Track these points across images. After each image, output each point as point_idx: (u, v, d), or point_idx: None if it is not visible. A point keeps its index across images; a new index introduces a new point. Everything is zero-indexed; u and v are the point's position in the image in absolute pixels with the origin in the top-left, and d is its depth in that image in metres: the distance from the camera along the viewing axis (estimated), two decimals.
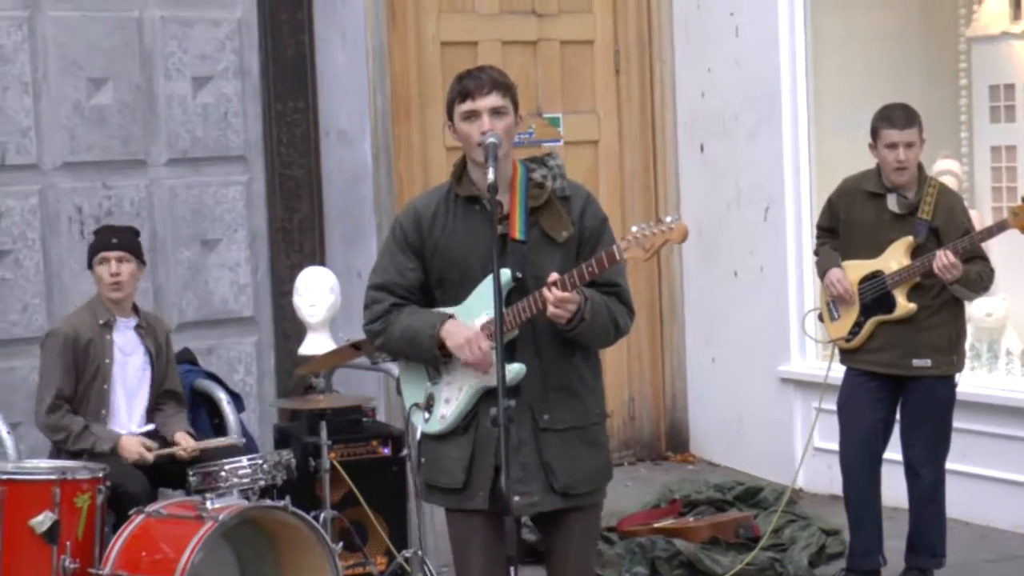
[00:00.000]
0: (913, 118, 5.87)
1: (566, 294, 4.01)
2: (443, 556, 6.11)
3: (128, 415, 5.89)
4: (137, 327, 5.95)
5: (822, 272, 6.12)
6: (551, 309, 4.03)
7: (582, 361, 4.24)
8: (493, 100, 4.12)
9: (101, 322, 5.84)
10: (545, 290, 4.02)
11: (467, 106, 4.13)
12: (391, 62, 7.88)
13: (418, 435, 4.30)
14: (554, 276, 4.04)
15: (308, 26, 7.60)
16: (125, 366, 5.89)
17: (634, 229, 4.08)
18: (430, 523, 6.13)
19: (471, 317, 4.16)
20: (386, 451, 6.31)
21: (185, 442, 5.78)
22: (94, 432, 5.72)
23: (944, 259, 5.70)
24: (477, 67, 4.24)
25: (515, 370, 4.08)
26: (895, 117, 5.87)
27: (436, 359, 4.18)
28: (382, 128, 7.77)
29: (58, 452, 5.78)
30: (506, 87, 4.16)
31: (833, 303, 6.08)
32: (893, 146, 5.84)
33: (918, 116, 5.90)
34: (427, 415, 4.23)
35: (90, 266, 5.91)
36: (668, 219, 4.09)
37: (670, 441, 8.75)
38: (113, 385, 5.85)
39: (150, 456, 5.73)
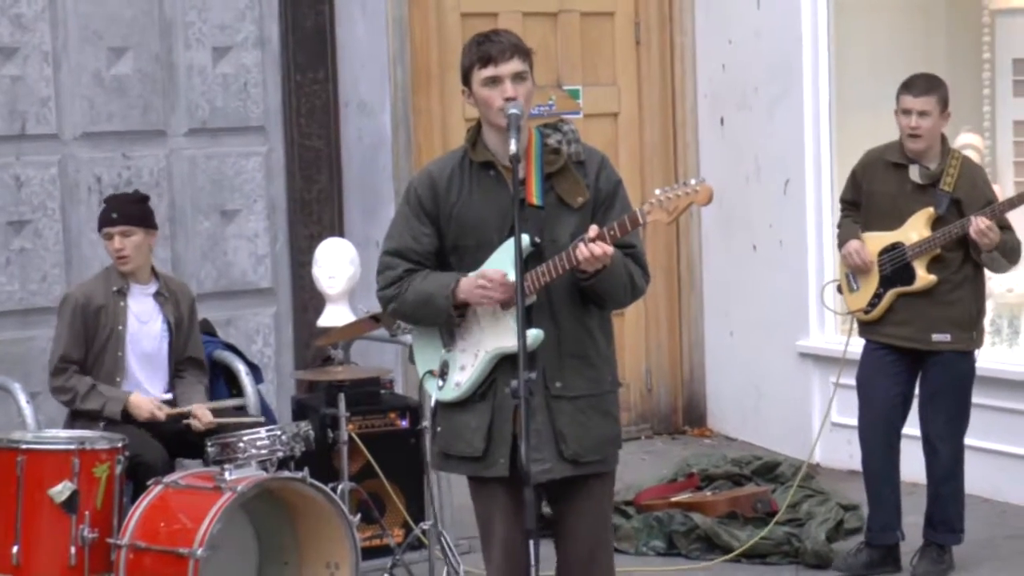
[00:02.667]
0: (932, 87, 5.84)
1: (606, 248, 3.98)
2: (460, 528, 6.13)
3: (145, 382, 5.88)
4: (157, 294, 5.94)
5: (841, 244, 6.10)
6: (590, 264, 4.00)
7: (598, 328, 4.23)
8: (515, 65, 4.11)
9: (115, 288, 5.84)
10: (580, 245, 3.99)
11: (489, 71, 4.10)
12: (411, 33, 7.85)
13: (432, 403, 4.27)
14: (594, 230, 4.00)
15: None
16: (141, 334, 5.88)
17: (657, 192, 4.07)
18: (447, 495, 6.14)
19: None
20: (404, 423, 6.32)
21: (202, 414, 5.77)
22: (102, 392, 5.72)
23: (980, 223, 5.67)
24: (492, 31, 4.20)
25: (533, 335, 4.07)
26: (913, 83, 5.86)
27: (451, 320, 4.16)
28: (402, 99, 7.75)
29: (72, 420, 5.79)
30: (525, 52, 4.15)
31: (852, 275, 6.06)
32: (907, 112, 5.84)
33: (940, 87, 5.86)
34: (441, 382, 4.22)
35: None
36: (692, 181, 4.08)
37: (687, 415, 8.74)
38: (127, 352, 5.85)
39: (161, 414, 5.72)
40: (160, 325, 5.94)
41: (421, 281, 4.19)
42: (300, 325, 7.50)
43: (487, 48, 4.12)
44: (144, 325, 5.90)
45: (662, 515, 6.49)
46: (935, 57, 7.86)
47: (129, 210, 5.89)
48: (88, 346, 5.80)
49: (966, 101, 7.69)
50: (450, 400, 4.21)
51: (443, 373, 4.22)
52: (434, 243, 4.23)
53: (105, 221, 5.88)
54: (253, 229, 7.47)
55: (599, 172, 4.21)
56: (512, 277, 4.01)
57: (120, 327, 5.83)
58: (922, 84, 5.86)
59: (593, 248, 3.99)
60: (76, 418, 5.77)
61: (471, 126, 4.28)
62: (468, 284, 4.13)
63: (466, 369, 4.19)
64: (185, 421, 5.75)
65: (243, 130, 7.45)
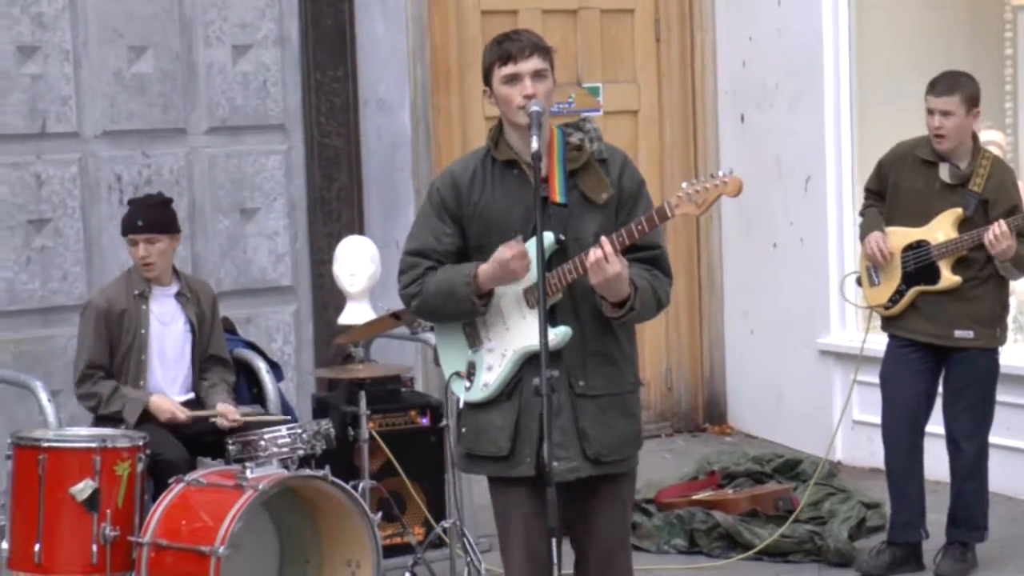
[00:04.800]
0: (955, 86, 5.80)
1: (604, 253, 3.97)
2: (481, 527, 6.12)
3: (168, 384, 5.88)
4: (178, 294, 5.94)
5: (864, 235, 6.06)
6: (593, 271, 3.98)
7: (620, 327, 4.21)
8: (535, 63, 4.10)
9: (136, 292, 5.84)
10: (592, 249, 3.99)
11: (509, 69, 4.09)
12: (431, 31, 7.85)
13: (460, 404, 4.25)
14: (604, 239, 4.00)
15: None
16: (164, 335, 5.88)
17: (684, 185, 4.06)
18: (468, 494, 6.13)
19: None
20: (424, 421, 6.32)
21: (227, 411, 5.76)
22: (124, 394, 5.72)
23: (996, 230, 5.64)
24: (513, 30, 4.20)
25: (561, 333, 4.07)
26: (936, 82, 5.84)
27: (475, 308, 4.14)
28: (421, 97, 7.75)
29: (98, 420, 5.79)
30: (546, 50, 4.14)
31: (874, 269, 6.03)
32: (931, 112, 5.81)
33: (965, 86, 5.82)
34: (468, 384, 4.21)
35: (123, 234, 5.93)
36: (721, 172, 4.07)
37: (708, 413, 8.72)
38: (151, 355, 5.84)
39: (182, 415, 5.72)
40: (183, 325, 5.93)
41: (441, 273, 4.18)
42: (320, 323, 7.50)
43: (507, 46, 4.12)
44: (166, 327, 5.90)
45: (683, 513, 6.47)
46: (956, 54, 7.83)
47: (154, 216, 5.86)
48: (112, 351, 5.80)
49: (988, 98, 7.60)
50: (478, 400, 4.20)
51: (470, 374, 4.20)
52: (456, 243, 4.22)
53: (130, 227, 5.86)
54: (273, 227, 7.47)
55: (623, 171, 4.21)
56: (535, 273, 4.00)
57: (143, 331, 5.82)
58: (944, 84, 5.82)
59: (606, 248, 3.97)
60: (101, 422, 5.76)
61: (493, 125, 4.28)
62: (490, 268, 4.11)
63: (493, 369, 4.18)
64: (212, 420, 5.75)
65: (263, 128, 7.45)
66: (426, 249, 4.23)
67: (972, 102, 5.81)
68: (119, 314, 5.79)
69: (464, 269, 4.15)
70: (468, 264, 4.17)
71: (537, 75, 4.10)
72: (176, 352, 5.91)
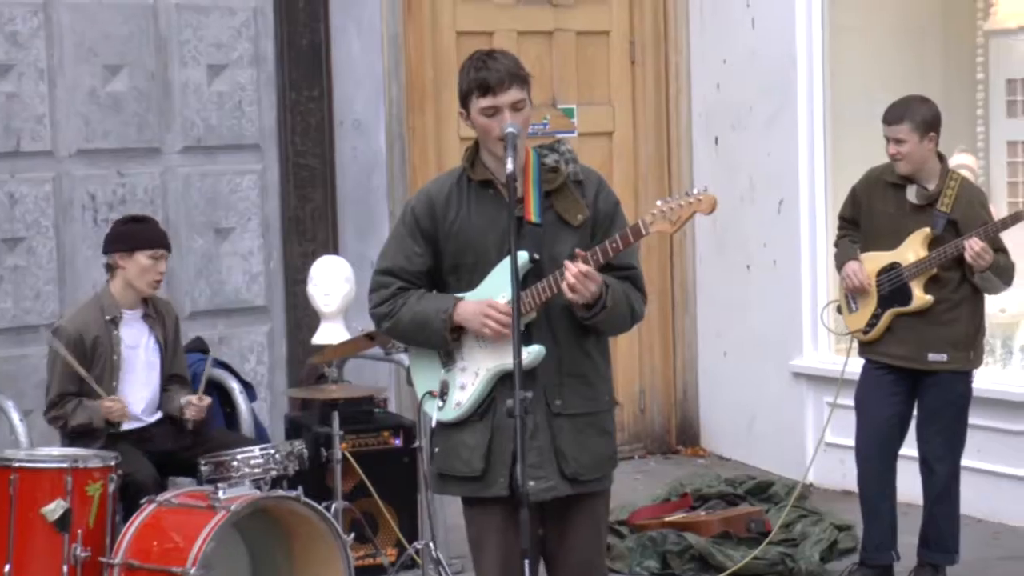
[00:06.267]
0: (905, 114, 5.82)
1: (587, 268, 3.99)
2: (454, 547, 6.11)
3: (137, 404, 5.85)
4: (145, 316, 5.92)
5: (839, 265, 6.10)
6: (568, 291, 4.00)
7: (594, 347, 4.23)
8: (513, 95, 4.10)
9: (108, 318, 5.79)
10: (567, 263, 4.00)
11: (487, 102, 4.10)
12: (407, 51, 7.86)
13: (433, 424, 4.25)
14: (579, 252, 4.02)
15: (324, 14, 7.58)
16: (133, 359, 5.85)
17: (659, 203, 4.08)
18: (441, 515, 6.13)
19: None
20: (397, 442, 6.32)
21: (194, 400, 5.77)
22: (87, 405, 5.68)
23: (976, 246, 5.67)
24: (487, 53, 4.18)
25: (535, 352, 4.07)
26: (888, 111, 5.90)
27: (445, 341, 4.15)
28: (396, 117, 7.76)
29: (69, 438, 5.76)
30: (523, 79, 4.14)
31: (851, 295, 6.06)
32: (887, 139, 5.86)
33: (916, 111, 5.80)
34: (441, 403, 4.20)
35: (119, 251, 5.82)
36: (695, 190, 4.09)
37: (681, 435, 8.73)
38: (122, 379, 5.80)
39: (130, 410, 5.68)
40: (151, 347, 5.91)
41: (416, 302, 4.18)
42: (294, 343, 7.49)
43: (485, 76, 4.10)
44: (135, 350, 5.87)
45: (656, 535, 6.47)
46: (929, 77, 7.88)
47: (164, 234, 5.91)
48: (83, 379, 5.76)
49: (960, 121, 7.71)
50: (450, 420, 4.20)
51: (443, 393, 4.20)
52: (427, 263, 4.23)
53: (158, 242, 5.85)
54: (247, 247, 7.46)
55: (598, 192, 4.22)
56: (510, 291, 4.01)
57: (115, 357, 5.79)
58: (895, 112, 5.87)
59: (580, 265, 3.98)
60: (72, 440, 5.72)
61: (469, 146, 4.28)
62: (469, 310, 4.12)
63: (466, 388, 4.18)
64: (183, 419, 5.75)
65: (238, 148, 7.44)
66: (396, 268, 4.24)
67: (926, 127, 5.82)
68: (92, 341, 5.74)
69: (441, 304, 4.15)
70: (445, 298, 4.17)
71: (515, 107, 4.11)
72: (144, 374, 5.89)
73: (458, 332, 4.17)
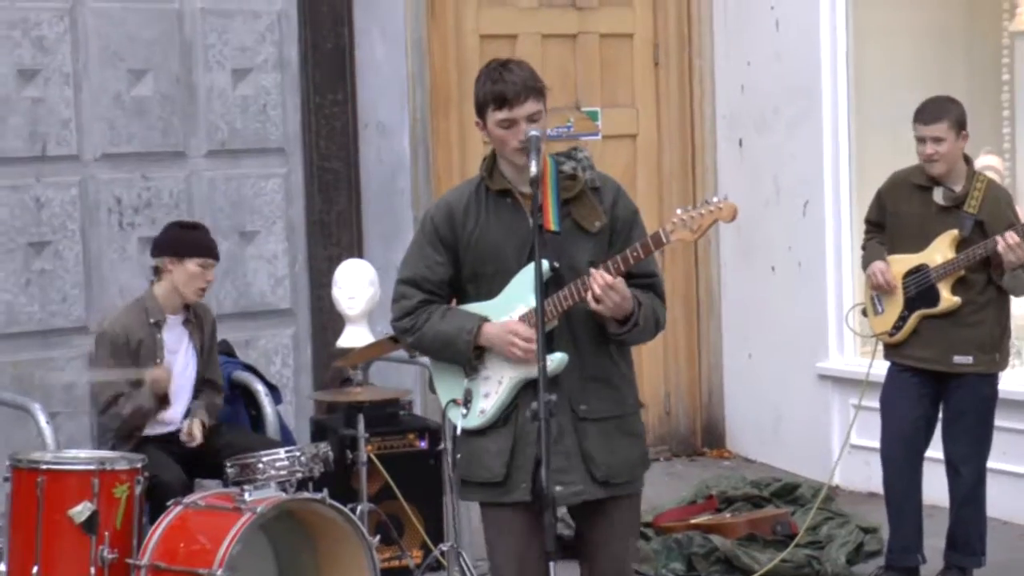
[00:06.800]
0: (943, 112, 5.82)
1: (612, 279, 4.00)
2: (478, 550, 6.10)
3: (173, 409, 5.87)
4: (186, 321, 5.95)
5: (866, 266, 6.09)
6: (594, 301, 4.01)
7: (616, 350, 4.24)
8: (530, 107, 4.11)
9: (152, 321, 5.83)
10: (593, 272, 4.01)
11: (504, 115, 4.10)
12: (430, 55, 7.87)
13: (457, 431, 4.26)
14: (601, 270, 4.03)
15: (348, 18, 7.60)
16: (173, 363, 5.88)
17: (679, 211, 4.08)
18: (466, 516, 6.13)
19: (506, 310, 4.16)
20: (423, 444, 6.32)
21: (194, 429, 5.79)
22: (131, 395, 5.69)
23: (1011, 239, 5.64)
24: (502, 63, 4.18)
25: (558, 359, 4.08)
26: (923, 110, 5.86)
27: (470, 362, 4.18)
28: (421, 121, 7.77)
29: (101, 443, 5.78)
30: (540, 91, 4.14)
31: (878, 297, 6.04)
32: (922, 140, 5.83)
33: (951, 111, 5.83)
34: (465, 411, 4.21)
35: (169, 255, 5.85)
36: (715, 198, 4.09)
37: (706, 437, 8.72)
38: None
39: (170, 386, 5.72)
40: (189, 352, 5.95)
41: (439, 320, 4.19)
42: (319, 346, 7.51)
43: (502, 89, 4.10)
44: (174, 355, 5.90)
45: (681, 537, 6.47)
46: (954, 78, 7.85)
47: (214, 243, 5.95)
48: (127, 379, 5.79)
49: (985, 122, 7.68)
50: (475, 427, 4.20)
51: (467, 401, 4.21)
52: (448, 272, 4.23)
53: (208, 251, 5.88)
54: (272, 250, 7.48)
55: (616, 200, 4.22)
56: (533, 303, 4.01)
57: (158, 360, 5.82)
58: (931, 110, 5.85)
59: (606, 277, 3.99)
60: (109, 440, 5.74)
61: (487, 155, 4.29)
62: (494, 332, 4.13)
63: (490, 396, 4.19)
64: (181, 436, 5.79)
65: (262, 151, 7.47)
66: (418, 278, 4.24)
67: (960, 125, 5.83)
68: (136, 345, 5.77)
69: (466, 324, 4.15)
70: (469, 317, 4.18)
71: (531, 119, 4.11)
72: (182, 378, 5.92)
73: (480, 350, 4.18)
